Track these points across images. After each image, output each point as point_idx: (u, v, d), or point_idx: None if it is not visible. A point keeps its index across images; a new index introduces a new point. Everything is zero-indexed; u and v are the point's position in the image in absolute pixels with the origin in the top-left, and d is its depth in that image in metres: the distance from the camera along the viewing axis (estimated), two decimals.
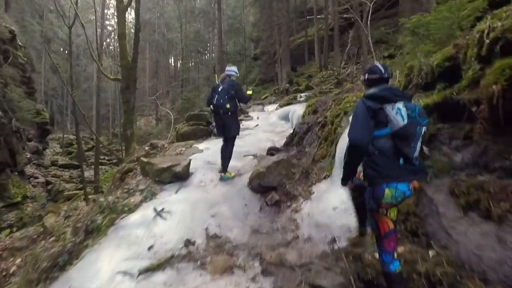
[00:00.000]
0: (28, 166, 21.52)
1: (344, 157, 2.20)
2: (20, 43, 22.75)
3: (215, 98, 4.69)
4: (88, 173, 23.45)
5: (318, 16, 22.01)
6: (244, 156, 6.21)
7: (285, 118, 9.69)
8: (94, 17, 24.83)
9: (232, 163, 5.78)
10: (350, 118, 4.35)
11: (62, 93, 37.84)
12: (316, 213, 3.51)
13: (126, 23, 18.63)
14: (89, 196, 14.39)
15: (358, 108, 2.05)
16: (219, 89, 4.74)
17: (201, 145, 7.43)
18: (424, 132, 2.04)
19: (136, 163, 10.21)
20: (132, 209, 3.77)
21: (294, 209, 3.78)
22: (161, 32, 37.59)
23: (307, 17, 24.44)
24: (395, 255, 2.09)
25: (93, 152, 23.48)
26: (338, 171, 3.82)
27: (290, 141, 6.52)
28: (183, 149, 7.30)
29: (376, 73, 2.18)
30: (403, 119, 1.97)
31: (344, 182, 2.36)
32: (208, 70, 35.45)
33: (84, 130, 34.88)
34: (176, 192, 4.38)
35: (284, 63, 21.06)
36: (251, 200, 4.19)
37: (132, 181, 4.98)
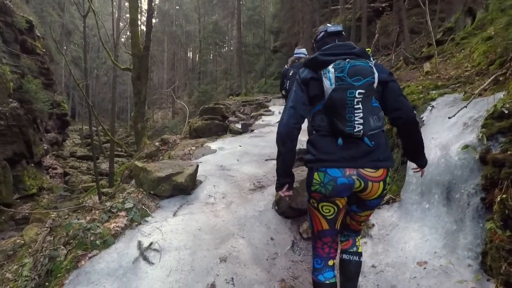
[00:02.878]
0: (47, 157, 21.39)
1: None
2: (38, 34, 22.40)
3: (287, 84, 4.49)
4: (106, 165, 23.14)
5: (345, 6, 20.47)
6: (266, 160, 4.98)
7: None
8: (111, 8, 24.22)
9: (252, 169, 4.59)
10: (423, 115, 2.86)
11: (84, 85, 37.95)
12: (386, 267, 2.23)
13: (140, 10, 17.81)
14: (103, 190, 13.77)
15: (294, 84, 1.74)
16: (290, 74, 4.46)
17: (214, 144, 6.26)
18: (364, 94, 1.49)
19: (145, 160, 9.27)
20: (108, 242, 2.61)
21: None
22: (179, 23, 36.72)
23: (331, 7, 22.84)
24: (329, 263, 1.75)
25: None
26: (415, 197, 2.51)
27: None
28: (193, 148, 6.15)
29: (321, 30, 1.86)
30: (331, 84, 1.54)
31: (278, 187, 1.76)
32: (226, 62, 34.36)
33: (104, 122, 34.83)
34: (175, 213, 3.20)
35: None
36: (278, 230, 2.95)
37: (122, 193, 3.85)
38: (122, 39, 35.77)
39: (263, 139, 6.32)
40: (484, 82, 2.86)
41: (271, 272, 2.40)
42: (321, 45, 1.79)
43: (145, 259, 2.41)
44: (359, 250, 1.87)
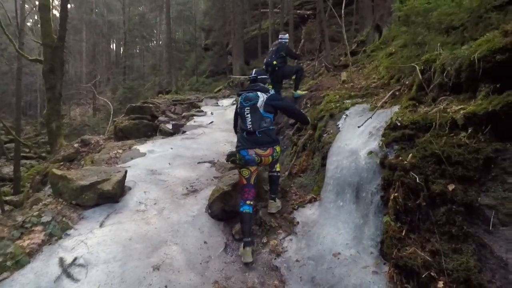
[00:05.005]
0: None
1: None
2: None
3: (266, 58, 6.16)
4: (9, 168, 19.89)
5: (274, 10, 21.36)
6: (199, 163, 5.00)
7: None
8: None
9: (184, 173, 4.57)
10: (339, 123, 3.35)
11: None
12: (308, 260, 2.50)
13: None
14: (6, 198, 11.84)
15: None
16: (270, 50, 6.29)
17: (143, 147, 6.00)
18: (249, 110, 2.94)
19: (62, 163, 8.34)
20: (21, 262, 2.36)
21: (274, 249, 2.73)
22: (100, 12, 33.56)
23: (261, 10, 23.62)
24: (247, 202, 2.89)
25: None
26: (332, 196, 2.86)
27: None
28: (120, 151, 5.80)
29: (250, 74, 3.33)
30: (239, 105, 3.04)
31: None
32: (155, 58, 32.62)
33: (7, 118, 29.80)
34: (102, 223, 3.03)
35: (237, 55, 19.88)
36: (211, 233, 3.04)
37: (37, 204, 3.46)
38: (29, 23, 31.02)
39: (195, 141, 6.30)
40: (385, 95, 3.39)
41: (204, 275, 2.49)
42: (250, 83, 3.26)
43: (69, 276, 2.26)
44: (277, 169, 3.25)
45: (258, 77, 3.24)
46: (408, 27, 4.05)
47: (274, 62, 5.98)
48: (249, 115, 2.91)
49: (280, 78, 6.37)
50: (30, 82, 35.68)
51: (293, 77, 6.43)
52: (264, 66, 6.08)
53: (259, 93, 3.01)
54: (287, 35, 6.33)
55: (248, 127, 2.88)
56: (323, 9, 10.14)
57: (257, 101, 2.94)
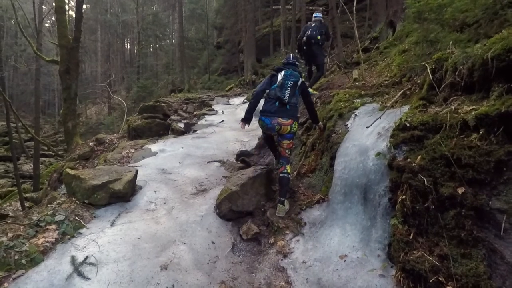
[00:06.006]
0: None
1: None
2: None
3: (309, 31, 6.13)
4: (29, 166, 20.60)
5: (286, 7, 21.24)
6: (209, 162, 5.04)
7: (255, 113, 8.60)
8: None
9: (194, 172, 4.62)
10: (348, 122, 3.30)
11: None
12: (314, 262, 2.49)
13: None
14: (27, 195, 12.31)
15: (267, 76, 3.63)
16: (312, 25, 6.26)
17: (155, 146, 6.09)
18: (291, 84, 3.35)
19: (78, 162, 8.57)
20: (36, 259, 2.45)
21: (281, 250, 2.73)
22: (115, 12, 34.14)
23: (273, 7, 23.50)
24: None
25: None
26: (339, 197, 2.83)
27: (264, 142, 5.46)
28: (132, 150, 5.91)
29: (287, 58, 3.71)
30: (281, 78, 3.39)
31: (243, 120, 3.51)
32: (168, 56, 32.96)
33: (26, 117, 30.85)
34: (113, 222, 3.11)
35: (249, 53, 19.84)
36: (219, 232, 3.07)
37: (52, 203, 3.57)
38: (47, 25, 31.90)
39: (206, 140, 6.35)
40: (396, 95, 3.32)
41: (211, 275, 2.51)
42: (284, 63, 3.64)
43: (80, 274, 2.32)
44: (287, 171, 3.34)
45: (296, 62, 3.64)
46: (420, 24, 3.95)
47: (318, 37, 6.04)
48: (289, 88, 3.32)
49: (311, 56, 6.29)
50: (48, 82, 36.82)
51: (313, 68, 6.54)
52: (305, 39, 6.07)
53: (298, 74, 3.48)
54: (320, 13, 6.52)
55: (285, 98, 3.28)
56: (335, 5, 9.97)
57: (298, 80, 3.39)
